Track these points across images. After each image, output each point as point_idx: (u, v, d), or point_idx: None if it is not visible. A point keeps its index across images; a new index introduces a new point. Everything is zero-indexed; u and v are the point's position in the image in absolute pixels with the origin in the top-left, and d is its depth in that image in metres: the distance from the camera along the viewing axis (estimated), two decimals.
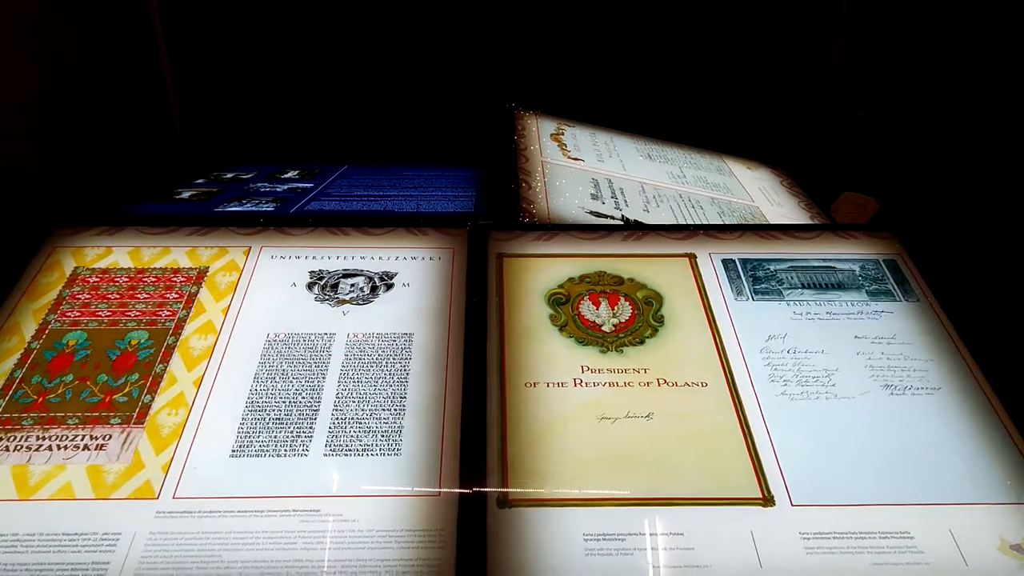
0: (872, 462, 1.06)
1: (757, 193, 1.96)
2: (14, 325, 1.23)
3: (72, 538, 0.96)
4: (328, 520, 0.98)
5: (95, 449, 1.06)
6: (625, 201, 1.70)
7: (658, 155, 2.06)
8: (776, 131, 2.32)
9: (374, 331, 1.24)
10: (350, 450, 1.06)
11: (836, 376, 1.18)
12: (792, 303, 1.31)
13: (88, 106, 1.67)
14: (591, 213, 1.60)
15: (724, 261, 1.38)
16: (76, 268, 1.35)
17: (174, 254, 1.38)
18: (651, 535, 0.97)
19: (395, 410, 1.12)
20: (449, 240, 1.42)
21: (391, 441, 1.08)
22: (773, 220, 1.80)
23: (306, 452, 1.06)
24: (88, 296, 1.29)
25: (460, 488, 1.02)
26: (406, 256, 1.39)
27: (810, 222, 1.80)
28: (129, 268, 1.35)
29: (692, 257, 1.39)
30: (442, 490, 1.02)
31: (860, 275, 1.37)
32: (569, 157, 1.88)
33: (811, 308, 1.30)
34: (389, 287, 1.32)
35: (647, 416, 1.11)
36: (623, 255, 1.40)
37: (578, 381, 1.16)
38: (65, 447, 1.06)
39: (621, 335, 1.24)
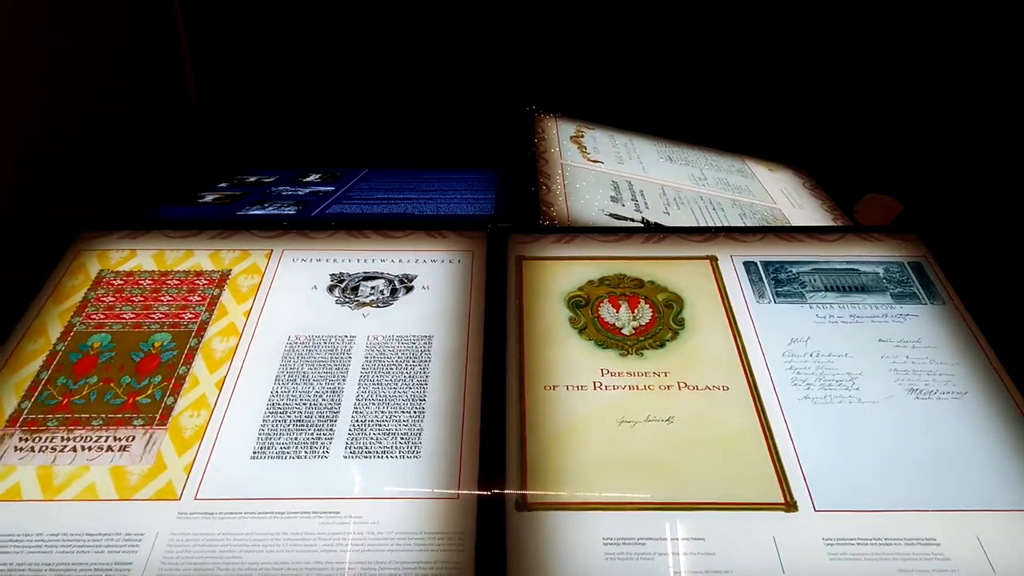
0: (897, 467, 1.04)
1: (779, 195, 1.94)
2: (40, 327, 1.25)
3: (96, 539, 0.97)
4: (348, 522, 0.99)
5: (118, 450, 1.07)
6: (645, 203, 1.69)
7: (679, 157, 2.05)
8: (797, 132, 2.30)
9: (394, 334, 1.24)
10: (370, 452, 1.07)
11: (860, 380, 1.17)
12: (815, 306, 1.29)
13: (112, 111, 1.69)
14: (611, 216, 1.60)
15: (746, 263, 1.37)
16: (101, 271, 1.37)
17: (197, 257, 1.39)
18: (672, 540, 0.96)
19: (415, 413, 1.12)
20: (469, 243, 1.42)
21: (410, 444, 1.08)
22: (795, 222, 1.78)
23: (326, 454, 1.07)
24: (112, 299, 1.31)
25: (479, 491, 1.02)
26: (426, 259, 1.39)
27: (833, 224, 1.78)
28: (153, 271, 1.37)
29: (713, 259, 1.38)
30: (461, 493, 1.02)
31: (884, 277, 1.35)
32: (589, 159, 1.88)
33: (834, 311, 1.28)
34: (409, 290, 1.33)
35: (667, 420, 1.10)
36: (643, 258, 1.39)
37: (598, 384, 1.15)
38: (89, 448, 1.07)
39: (641, 338, 1.23)
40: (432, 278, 1.35)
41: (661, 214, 1.65)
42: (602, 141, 2.03)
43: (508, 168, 1.97)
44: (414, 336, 1.24)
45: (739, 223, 1.68)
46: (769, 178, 2.06)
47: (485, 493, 1.02)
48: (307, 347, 1.22)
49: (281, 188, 1.85)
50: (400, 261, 1.39)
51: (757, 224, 1.69)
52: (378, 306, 1.29)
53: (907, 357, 1.20)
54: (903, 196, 2.05)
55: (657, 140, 2.16)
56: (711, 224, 1.63)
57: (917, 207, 1.87)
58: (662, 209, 1.68)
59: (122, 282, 1.34)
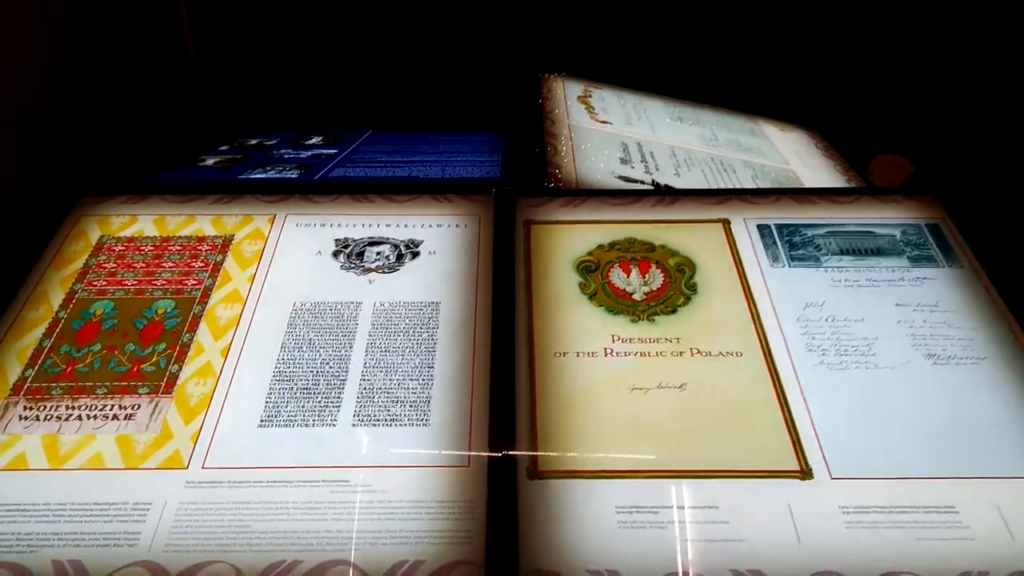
0: (914, 434, 1.03)
1: (791, 156, 1.90)
2: (42, 294, 1.23)
3: (103, 508, 0.96)
4: (357, 491, 0.98)
5: (124, 419, 1.06)
6: (655, 165, 1.65)
7: (689, 117, 2.00)
8: (807, 91, 2.24)
9: (401, 300, 1.22)
10: (378, 420, 1.05)
11: (876, 345, 1.14)
12: (830, 270, 1.26)
13: (111, 73, 1.65)
14: (620, 178, 1.56)
15: (759, 227, 1.34)
16: (102, 237, 1.34)
17: (199, 222, 1.37)
18: (685, 508, 0.95)
19: (423, 380, 1.10)
20: (475, 207, 1.39)
21: (419, 411, 1.06)
22: (808, 184, 1.74)
23: (334, 422, 1.05)
24: (114, 265, 1.29)
25: (489, 459, 1.00)
26: (431, 224, 1.36)
27: (848, 186, 1.74)
28: (154, 236, 1.34)
29: (726, 223, 1.35)
30: (471, 459, 1.01)
31: (901, 240, 1.32)
32: (597, 120, 1.84)
33: (850, 275, 1.26)
34: (415, 255, 1.30)
35: (680, 387, 1.09)
36: (654, 221, 1.36)
37: (608, 351, 1.13)
38: (95, 417, 1.06)
39: (652, 304, 1.21)
40: (438, 243, 1.32)
41: (671, 176, 1.62)
42: (610, 101, 1.98)
43: (514, 130, 1.93)
44: (421, 302, 1.22)
45: (751, 185, 1.64)
46: (781, 139, 2.01)
47: (496, 459, 1.00)
48: (313, 314, 1.20)
49: (283, 151, 1.81)
50: (406, 226, 1.36)
51: (770, 186, 1.66)
52: (384, 272, 1.27)
53: (924, 322, 1.18)
54: (915, 156, 2.00)
55: (666, 100, 2.11)
56: (723, 186, 1.60)
57: (931, 167, 1.83)
58: (672, 171, 1.64)
59: (123, 248, 1.32)
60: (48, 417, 1.06)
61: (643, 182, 1.56)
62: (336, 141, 1.91)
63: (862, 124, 2.18)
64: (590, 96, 1.97)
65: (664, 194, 1.43)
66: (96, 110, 1.61)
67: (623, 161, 1.64)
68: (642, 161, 1.66)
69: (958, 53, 1.94)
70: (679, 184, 1.58)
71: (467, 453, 1.01)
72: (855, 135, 2.12)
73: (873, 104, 2.19)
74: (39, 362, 1.13)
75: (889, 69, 2.14)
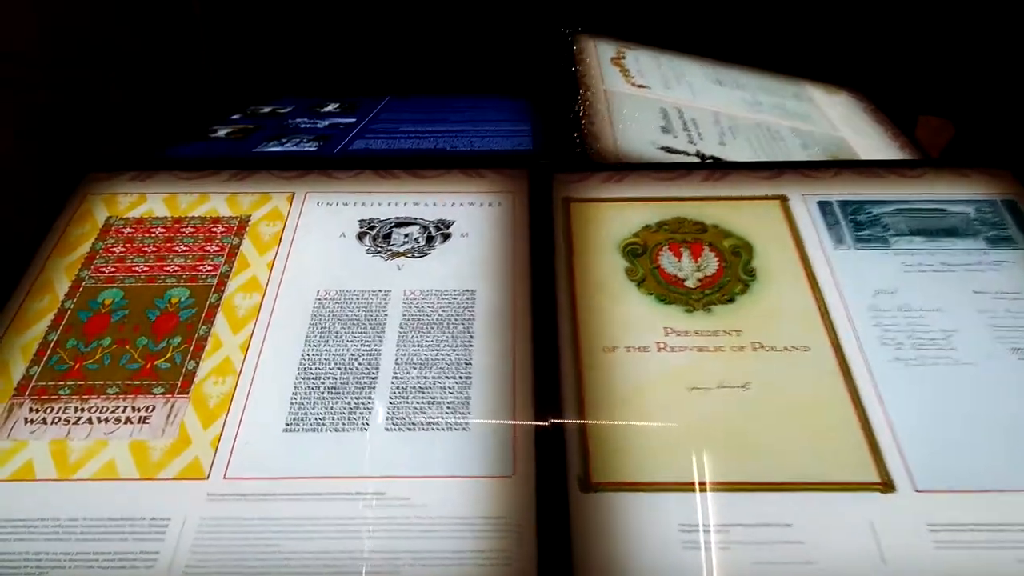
0: (1008, 440, 0.93)
1: (840, 121, 1.77)
2: (46, 283, 1.14)
3: (118, 524, 0.88)
4: (394, 505, 0.89)
5: (138, 422, 0.98)
6: (699, 134, 1.53)
7: (728, 80, 1.87)
8: (840, 48, 2.09)
9: (432, 288, 1.12)
10: (414, 424, 0.96)
11: (955, 338, 1.04)
12: (901, 252, 1.16)
13: (115, 40, 1.54)
14: (663, 149, 1.45)
15: (820, 204, 1.23)
16: (109, 218, 1.25)
17: (213, 201, 1.27)
18: (756, 526, 0.86)
19: (460, 378, 1.01)
20: (509, 183, 1.29)
21: (458, 413, 0.97)
22: (861, 152, 1.62)
23: (366, 426, 0.96)
24: (123, 249, 1.19)
25: (537, 468, 0.91)
26: (463, 202, 1.26)
27: (906, 155, 1.62)
28: (165, 217, 1.24)
29: (783, 199, 1.24)
30: (517, 467, 0.92)
31: (975, 219, 1.20)
32: (633, 84, 1.71)
33: (922, 258, 1.15)
34: (446, 237, 1.20)
35: (743, 386, 0.99)
36: (705, 198, 1.25)
37: (661, 345, 1.04)
38: (106, 420, 0.98)
39: (708, 291, 1.10)
40: (471, 224, 1.22)
41: (716, 146, 1.50)
42: (646, 63, 1.85)
43: (543, 95, 1.80)
44: (455, 291, 1.12)
45: (801, 154, 1.53)
46: (827, 103, 1.88)
47: (545, 466, 0.91)
48: (338, 303, 1.10)
49: (298, 120, 1.70)
50: (435, 204, 1.26)
51: (821, 155, 1.54)
52: (414, 256, 1.17)
53: (1007, 311, 1.07)
54: (964, 117, 1.87)
55: (704, 61, 1.97)
56: (771, 155, 1.48)
57: (1006, 137, 1.69)
58: (717, 140, 1.53)
59: (132, 230, 1.22)
60: (56, 420, 0.98)
61: (687, 153, 1.45)
62: (353, 109, 1.80)
63: (900, 83, 2.03)
64: (624, 58, 1.84)
65: (715, 167, 1.31)
66: (99, 79, 1.50)
67: (664, 130, 1.52)
68: (684, 130, 1.54)
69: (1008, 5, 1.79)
70: (725, 155, 1.46)
71: (512, 464, 0.92)
72: (890, 95, 1.98)
73: (912, 61, 2.04)
74: (45, 358, 1.05)
75: (928, 23, 1.99)
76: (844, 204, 1.23)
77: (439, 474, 0.92)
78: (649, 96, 1.67)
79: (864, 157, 1.59)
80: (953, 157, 1.67)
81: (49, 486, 0.92)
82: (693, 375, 1.00)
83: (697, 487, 0.89)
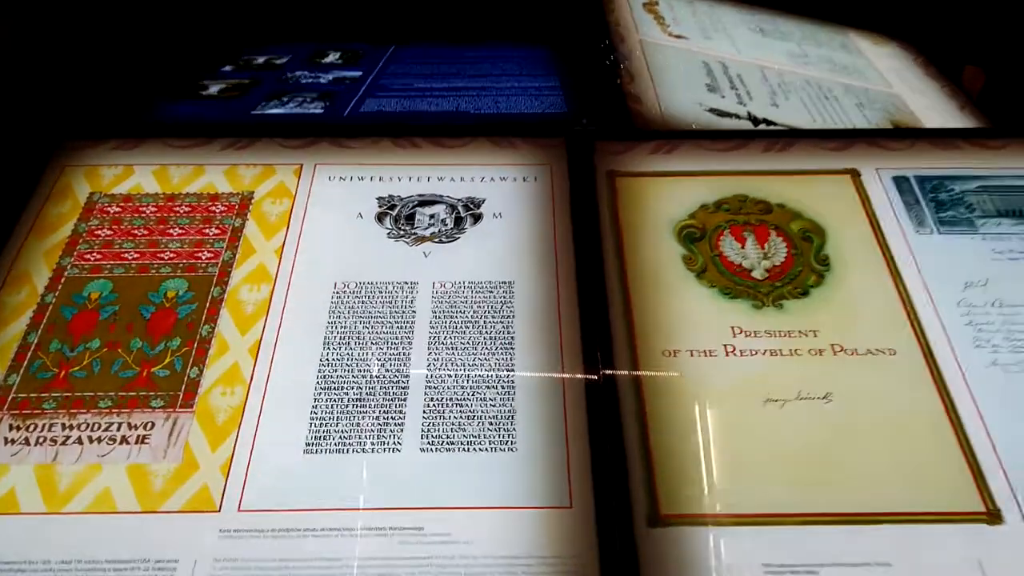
0: None
1: (892, 76, 1.61)
2: (23, 274, 1.00)
3: (119, 567, 0.76)
4: (435, 542, 0.78)
5: (135, 442, 0.85)
6: (748, 93, 1.38)
7: (771, 29, 1.70)
8: None
9: (465, 279, 0.99)
10: (452, 443, 0.84)
11: None
12: (989, 237, 1.03)
13: None
14: (711, 111, 1.30)
15: (896, 180, 1.09)
16: (92, 194, 1.10)
17: (210, 175, 1.12)
18: (851, 566, 0.75)
19: (502, 388, 0.89)
20: (545, 154, 1.14)
21: (502, 431, 0.85)
22: (919, 113, 1.47)
23: (398, 446, 0.84)
24: (110, 232, 1.05)
25: (597, 498, 0.80)
26: (493, 176, 1.11)
27: (968, 117, 1.47)
28: (156, 194, 1.10)
29: (855, 174, 1.10)
30: (574, 497, 0.80)
31: None
32: (670, 34, 1.54)
33: (1014, 244, 1.02)
34: (476, 218, 1.06)
35: (824, 397, 0.87)
36: (767, 172, 1.11)
37: (730, 348, 0.91)
38: (99, 439, 0.85)
39: (778, 283, 0.98)
40: (504, 202, 1.08)
41: (768, 107, 1.35)
42: (680, 10, 1.67)
43: (567, 43, 1.63)
44: (490, 283, 0.99)
45: (859, 117, 1.38)
46: (876, 54, 1.72)
47: (606, 496, 0.80)
48: (359, 298, 0.97)
49: (298, 73, 1.53)
50: (462, 179, 1.11)
51: (880, 117, 1.39)
52: (441, 241, 1.03)
53: None
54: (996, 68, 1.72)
55: (741, 6, 1.79)
56: (826, 116, 1.33)
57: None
58: (768, 100, 1.37)
59: (119, 209, 1.08)
60: (41, 440, 0.85)
61: (737, 116, 1.30)
62: (356, 59, 1.62)
63: (938, 31, 1.86)
64: (657, 3, 1.66)
65: (776, 136, 1.17)
66: (73, 27, 1.32)
67: (710, 88, 1.37)
68: (732, 88, 1.38)
69: None
70: (777, 117, 1.32)
71: (568, 493, 0.81)
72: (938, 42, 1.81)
73: (950, 7, 1.87)
74: (25, 364, 0.92)
75: None
76: (922, 180, 1.09)
77: (484, 504, 0.80)
78: (689, 48, 1.51)
79: (923, 118, 1.45)
80: None
81: (37, 521, 0.79)
82: (768, 384, 0.88)
83: (780, 519, 0.78)
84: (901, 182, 1.09)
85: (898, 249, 1.01)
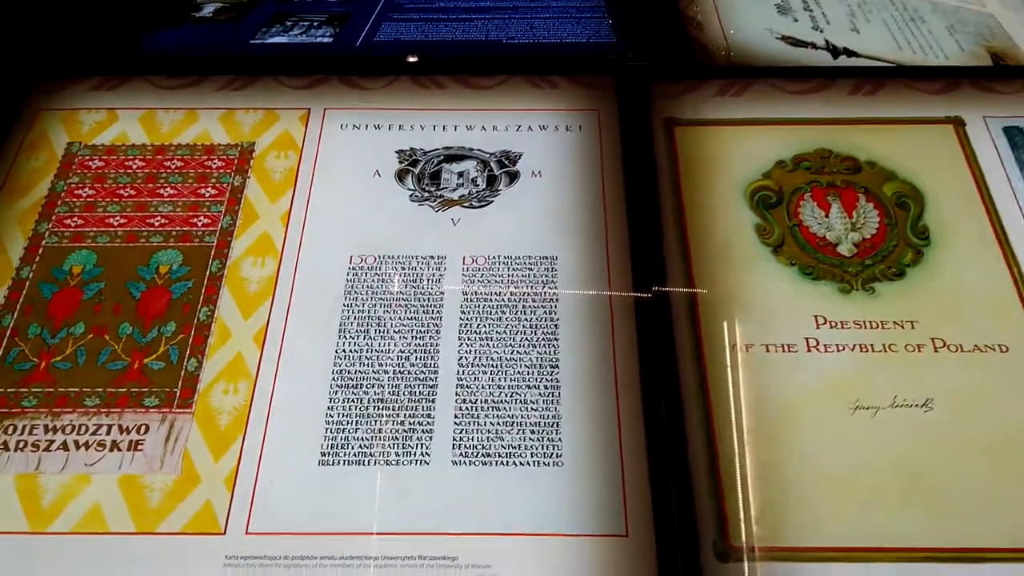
0: None
1: None
2: None
3: None
4: (469, 573, 0.67)
5: (128, 448, 0.74)
6: (823, 14, 1.19)
7: None
8: None
9: (500, 254, 0.85)
10: (489, 455, 0.73)
11: None
12: None
13: None
14: (784, 40, 1.11)
15: (1008, 131, 0.92)
16: (70, 145, 0.96)
17: (204, 121, 0.97)
18: None
19: (546, 388, 0.77)
20: (591, 97, 0.98)
21: (546, 441, 0.74)
22: (1021, 39, 1.27)
23: (426, 457, 0.73)
24: (92, 192, 0.92)
25: (657, 527, 0.69)
26: (531, 124, 0.96)
27: None
28: (144, 144, 0.96)
29: (958, 123, 0.93)
30: (630, 524, 0.69)
31: None
32: None
33: None
34: (512, 177, 0.91)
35: (924, 405, 0.74)
36: (853, 120, 0.95)
37: (812, 342, 0.78)
38: (85, 444, 0.75)
39: (868, 261, 0.83)
40: (544, 157, 0.93)
41: (847, 32, 1.16)
42: None
43: None
44: (529, 258, 0.85)
45: (954, 47, 1.18)
46: None
47: (667, 525, 0.69)
48: (378, 275, 0.84)
49: None
50: (495, 129, 0.96)
51: (974, 43, 1.19)
52: (472, 205, 0.89)
53: None
54: None
55: None
56: (916, 46, 1.14)
57: None
58: (847, 23, 1.18)
59: (102, 163, 0.94)
60: (21, 445, 0.75)
61: (814, 45, 1.11)
62: None
63: None
64: None
65: (864, 75, 0.99)
66: None
67: (780, 10, 1.18)
68: (805, 10, 1.19)
69: None
70: (860, 47, 1.13)
71: (623, 519, 0.69)
72: None
73: None
74: (0, 354, 0.80)
75: None
76: None
77: (527, 530, 0.69)
78: None
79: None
80: None
81: (19, 542, 0.70)
82: (858, 387, 0.75)
83: (876, 555, 0.67)
84: (1014, 134, 0.92)
85: (1011, 218, 0.86)
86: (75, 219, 0.89)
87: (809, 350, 0.77)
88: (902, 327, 0.79)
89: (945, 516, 0.69)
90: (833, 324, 0.79)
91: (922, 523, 0.69)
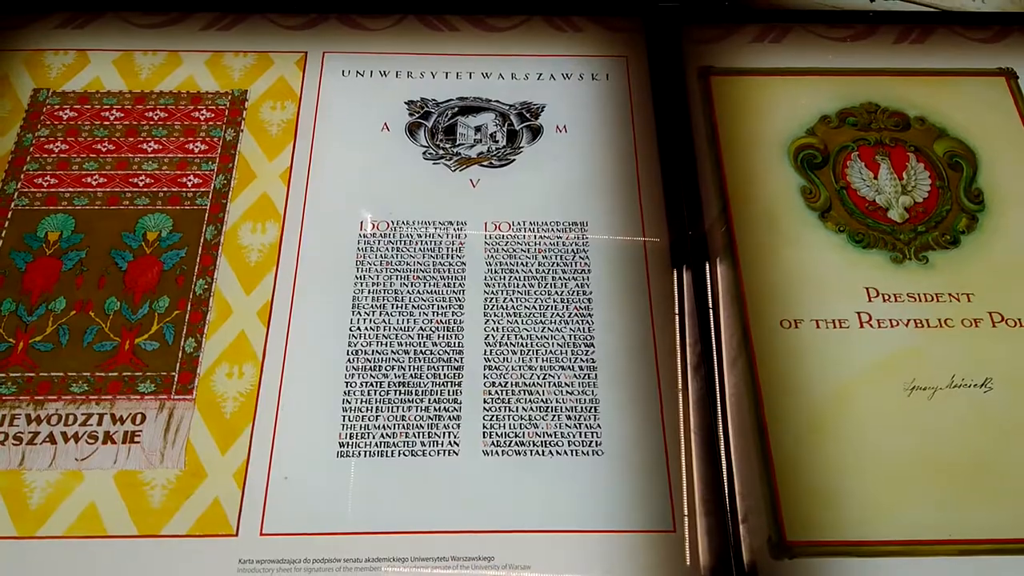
0: None
1: None
2: None
3: None
4: (507, 574, 0.63)
5: (123, 441, 0.67)
6: None
7: None
8: None
9: (525, 219, 0.78)
10: (523, 444, 0.67)
11: None
12: None
13: None
14: None
15: None
16: (37, 92, 0.85)
17: (188, 66, 0.87)
18: None
19: (581, 369, 0.71)
20: (618, 41, 0.90)
21: (584, 428, 0.68)
22: None
23: (455, 447, 0.67)
24: (65, 147, 0.82)
25: (709, 522, 0.64)
26: (553, 72, 0.87)
27: None
28: (121, 92, 0.85)
29: (1011, 76, 0.87)
30: (676, 518, 0.65)
31: None
32: None
33: None
34: (535, 133, 0.83)
35: (983, 385, 0.70)
36: (900, 71, 0.87)
37: (865, 317, 0.73)
38: (75, 436, 0.68)
39: (921, 228, 0.77)
40: (569, 110, 0.85)
41: None
42: None
43: None
44: (558, 224, 0.78)
45: None
46: None
47: (718, 519, 0.64)
48: (393, 244, 0.76)
49: None
50: (514, 77, 0.87)
51: None
52: (492, 164, 0.81)
53: None
54: None
55: None
56: None
57: None
58: None
59: (75, 114, 0.84)
60: (2, 437, 0.67)
61: None
62: None
63: None
64: None
65: (911, 21, 0.92)
66: None
67: None
68: None
69: None
70: None
71: (670, 514, 0.65)
72: None
73: None
74: None
75: None
76: None
77: (567, 527, 0.64)
78: None
79: None
80: None
81: (8, 548, 0.63)
82: (914, 366, 0.71)
83: (938, 548, 0.63)
84: None
85: None
86: (47, 178, 0.80)
87: (861, 326, 0.72)
88: (958, 300, 0.74)
89: (1008, 506, 0.65)
90: (886, 297, 0.74)
91: (984, 513, 0.65)
